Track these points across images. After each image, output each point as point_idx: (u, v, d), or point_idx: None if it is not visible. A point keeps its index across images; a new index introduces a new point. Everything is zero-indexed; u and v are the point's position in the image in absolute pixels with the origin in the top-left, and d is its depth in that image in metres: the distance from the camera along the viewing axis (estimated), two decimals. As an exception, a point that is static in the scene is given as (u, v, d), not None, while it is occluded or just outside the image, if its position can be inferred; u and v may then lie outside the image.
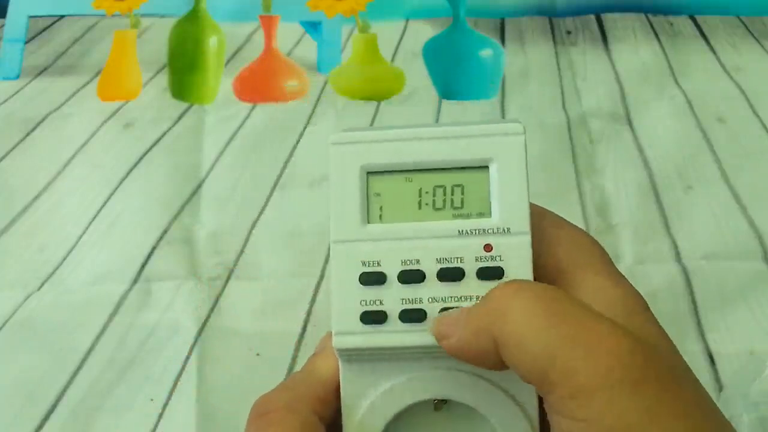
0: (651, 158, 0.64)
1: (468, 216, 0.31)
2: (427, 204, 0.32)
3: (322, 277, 0.57)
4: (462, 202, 0.32)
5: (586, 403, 0.25)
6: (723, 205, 0.61)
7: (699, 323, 0.54)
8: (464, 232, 0.31)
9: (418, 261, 0.31)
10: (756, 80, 0.70)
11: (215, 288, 0.57)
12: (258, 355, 0.53)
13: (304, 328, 0.55)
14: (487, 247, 0.31)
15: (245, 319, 0.55)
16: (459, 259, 0.31)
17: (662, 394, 0.25)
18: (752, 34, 0.75)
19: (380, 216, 0.32)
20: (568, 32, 0.75)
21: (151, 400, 0.52)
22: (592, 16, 0.77)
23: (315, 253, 0.59)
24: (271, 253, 0.59)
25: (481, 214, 0.31)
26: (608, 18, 0.77)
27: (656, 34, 0.75)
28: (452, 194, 0.32)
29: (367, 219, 0.32)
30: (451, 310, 0.30)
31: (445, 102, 0.70)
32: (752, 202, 0.61)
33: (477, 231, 0.31)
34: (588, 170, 0.64)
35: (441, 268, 0.31)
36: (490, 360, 0.28)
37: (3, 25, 0.77)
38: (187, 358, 0.53)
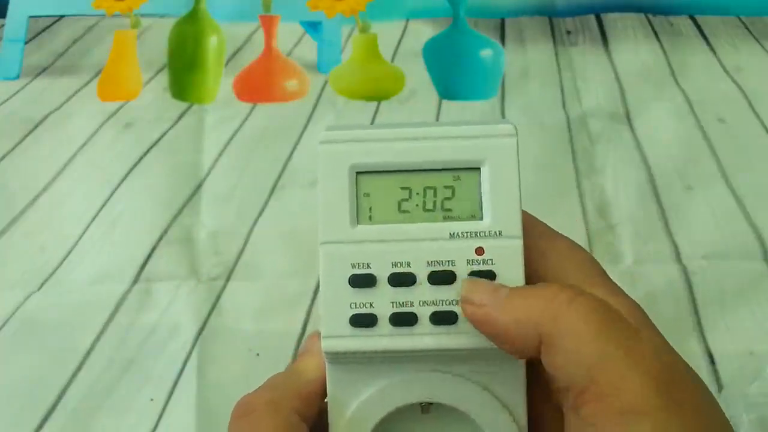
0: (651, 158, 0.64)
1: (459, 218, 0.31)
2: (417, 205, 0.31)
3: (322, 277, 0.57)
4: (453, 204, 0.31)
5: (635, 420, 0.25)
6: (723, 205, 0.61)
7: (699, 323, 0.54)
8: (455, 234, 0.31)
9: (408, 263, 0.31)
10: (756, 80, 0.70)
11: (215, 288, 0.57)
12: (258, 355, 0.53)
13: (304, 328, 0.55)
14: (479, 251, 0.30)
15: (245, 319, 0.55)
16: (450, 262, 0.30)
17: (697, 418, 0.26)
18: (752, 34, 0.75)
19: (370, 217, 0.31)
20: (568, 32, 0.75)
21: (151, 400, 0.52)
22: (592, 16, 0.77)
23: (315, 253, 0.58)
24: (271, 253, 0.59)
25: (472, 217, 0.31)
26: (608, 18, 0.77)
27: (656, 34, 0.75)
28: (443, 196, 0.31)
29: (357, 220, 0.31)
30: (480, 280, 0.30)
31: (445, 102, 0.70)
32: (752, 202, 0.61)
33: (468, 234, 0.31)
34: (588, 170, 0.63)
35: (432, 271, 0.30)
36: (523, 350, 0.28)
37: (3, 25, 0.77)
38: (187, 358, 0.53)
